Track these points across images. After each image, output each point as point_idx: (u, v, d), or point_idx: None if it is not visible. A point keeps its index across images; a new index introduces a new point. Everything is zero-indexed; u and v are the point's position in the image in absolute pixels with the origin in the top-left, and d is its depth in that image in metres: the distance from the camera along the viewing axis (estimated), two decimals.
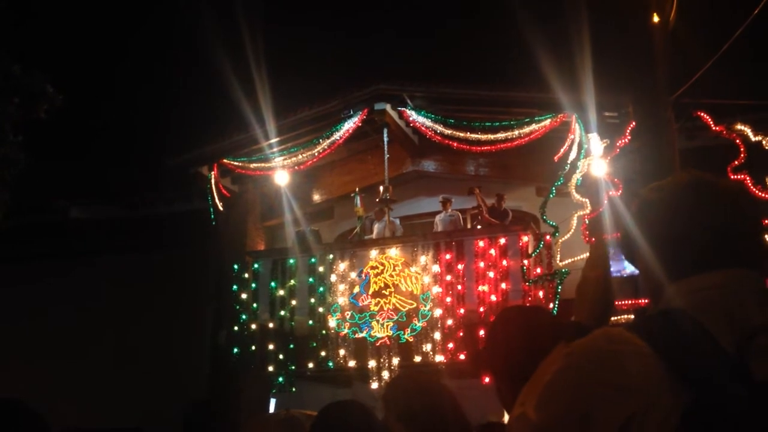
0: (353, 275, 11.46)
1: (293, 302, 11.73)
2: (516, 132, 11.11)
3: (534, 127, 11.06)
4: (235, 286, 12.14)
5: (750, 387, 1.20)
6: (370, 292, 11.21)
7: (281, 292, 11.82)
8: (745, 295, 1.33)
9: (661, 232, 1.43)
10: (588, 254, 1.69)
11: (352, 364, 11.15)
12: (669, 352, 1.25)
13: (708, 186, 1.44)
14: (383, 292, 11.15)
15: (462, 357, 10.48)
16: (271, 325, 11.81)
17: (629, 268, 9.02)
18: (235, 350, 11.80)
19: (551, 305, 10.03)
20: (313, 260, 11.77)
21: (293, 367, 11.55)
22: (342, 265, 11.58)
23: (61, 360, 13.55)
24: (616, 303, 9.07)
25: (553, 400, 1.33)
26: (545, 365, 1.52)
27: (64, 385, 13.05)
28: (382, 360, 10.93)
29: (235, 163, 12.60)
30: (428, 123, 11.59)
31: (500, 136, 11.19)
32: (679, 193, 1.44)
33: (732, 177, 8.87)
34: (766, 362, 1.22)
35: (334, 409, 2.93)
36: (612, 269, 1.57)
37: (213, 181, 12.57)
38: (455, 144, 11.45)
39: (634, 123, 8.72)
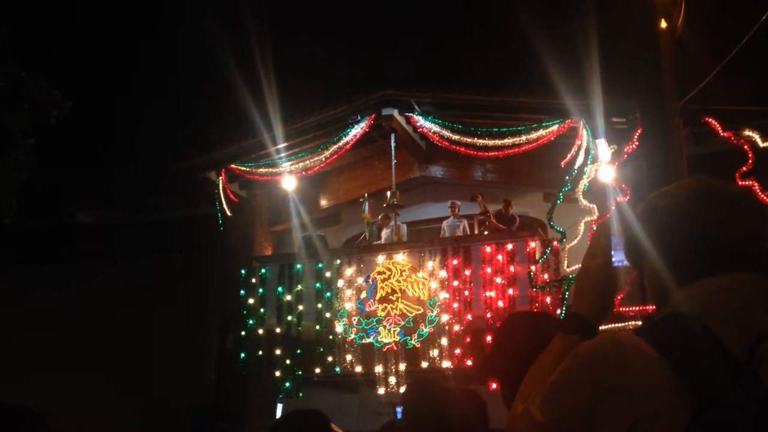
0: (360, 280, 11.47)
1: (300, 307, 11.74)
2: (523, 137, 11.10)
3: (541, 132, 11.05)
4: (242, 291, 12.16)
5: (758, 393, 1.19)
6: (377, 298, 11.21)
7: (288, 297, 11.84)
8: (754, 299, 1.32)
9: (669, 237, 1.42)
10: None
11: (358, 369, 11.15)
12: (676, 356, 1.24)
13: (715, 191, 1.44)
14: (390, 297, 11.14)
15: (469, 363, 10.47)
16: (278, 330, 11.83)
17: None
18: (242, 355, 11.81)
19: (558, 311, 10.00)
20: (320, 265, 11.78)
21: (300, 373, 11.55)
22: (349, 271, 11.59)
23: (67, 364, 13.58)
24: (624, 308, 9.01)
25: (559, 400, 1.33)
26: (545, 356, 1.52)
27: (71, 390, 13.07)
28: (389, 365, 10.92)
29: (243, 169, 12.63)
30: (435, 128, 11.60)
31: (507, 141, 11.19)
32: (687, 198, 1.44)
33: (740, 183, 8.84)
34: None
35: (293, 417, 2.94)
36: (615, 259, 1.55)
37: (221, 186, 12.60)
38: (462, 149, 11.45)
39: (641, 129, 8.71)
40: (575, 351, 1.36)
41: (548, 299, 10.49)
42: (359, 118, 11.90)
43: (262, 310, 11.99)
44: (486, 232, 11.67)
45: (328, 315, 11.49)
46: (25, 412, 2.00)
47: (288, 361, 11.59)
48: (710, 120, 9.39)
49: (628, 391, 1.25)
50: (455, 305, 10.84)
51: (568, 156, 10.84)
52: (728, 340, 1.25)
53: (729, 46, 7.96)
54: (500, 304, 10.56)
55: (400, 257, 11.38)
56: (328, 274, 11.72)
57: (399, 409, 3.22)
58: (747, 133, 9.27)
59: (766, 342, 1.23)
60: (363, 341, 11.15)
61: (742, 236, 1.39)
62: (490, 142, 11.27)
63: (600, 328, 1.53)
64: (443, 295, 10.93)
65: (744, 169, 9.03)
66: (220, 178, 12.65)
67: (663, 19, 7.61)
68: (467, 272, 10.92)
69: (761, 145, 9.14)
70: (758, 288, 1.34)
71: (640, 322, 1.44)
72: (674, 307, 1.37)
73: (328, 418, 2.91)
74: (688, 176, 1.57)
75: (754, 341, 1.24)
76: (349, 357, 11.19)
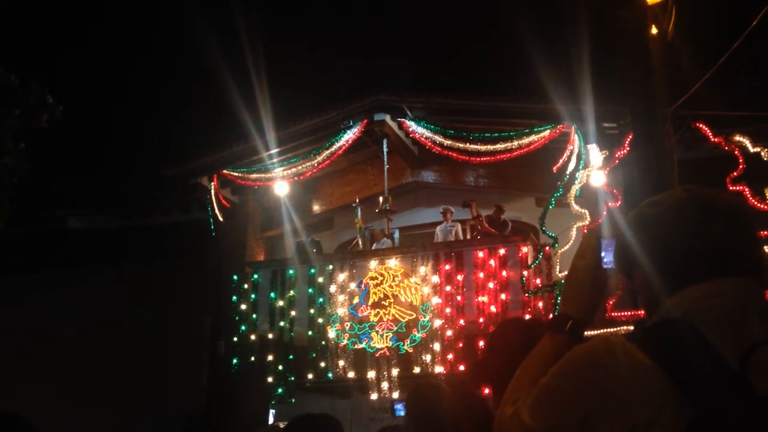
0: (353, 286, 11.46)
1: (293, 313, 11.72)
2: (515, 143, 11.13)
3: (533, 137, 11.07)
4: (234, 297, 12.13)
5: (752, 403, 1.18)
6: (369, 303, 11.20)
7: (281, 303, 11.81)
8: (747, 305, 1.31)
9: (660, 246, 1.42)
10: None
11: (351, 375, 11.13)
12: (670, 364, 1.23)
13: (705, 199, 1.43)
14: (383, 302, 11.14)
15: (461, 368, 10.46)
16: (270, 335, 11.80)
17: None
18: (234, 361, 11.78)
19: (551, 316, 10.00)
20: (312, 271, 11.77)
21: (292, 378, 11.52)
22: (341, 276, 11.58)
23: (58, 370, 13.50)
24: (616, 313, 8.99)
25: (551, 405, 1.32)
26: (531, 357, 1.51)
27: (62, 395, 13.01)
28: (381, 371, 10.91)
29: (235, 174, 12.61)
30: (428, 134, 11.61)
31: (499, 146, 11.21)
32: (677, 207, 1.43)
33: (731, 188, 8.87)
34: None
35: (302, 421, 2.94)
36: (606, 260, 1.53)
37: (213, 191, 12.58)
38: (455, 155, 11.46)
39: (632, 134, 8.72)
40: (568, 355, 1.35)
41: (541, 304, 10.51)
42: (351, 123, 11.91)
43: (254, 315, 11.96)
44: (479, 237, 11.68)
45: (320, 320, 11.47)
46: (14, 417, 1.99)
47: (280, 367, 11.56)
48: (701, 125, 9.43)
49: (622, 397, 1.24)
50: (448, 310, 10.84)
51: (560, 161, 10.87)
52: (722, 348, 1.23)
53: (720, 51, 7.99)
54: (493, 309, 10.56)
55: (393, 262, 11.38)
56: (320, 280, 11.71)
57: (397, 407, 3.31)
58: (737, 138, 9.32)
59: (761, 351, 1.22)
60: (355, 347, 11.13)
61: (733, 244, 1.38)
62: (482, 148, 11.29)
63: (591, 332, 1.52)
64: (436, 300, 10.93)
65: (734, 174, 9.07)
66: (212, 183, 12.63)
67: (654, 25, 7.64)
68: (460, 277, 10.92)
69: (751, 150, 9.18)
70: (750, 294, 1.33)
71: (631, 327, 1.43)
72: (666, 313, 1.36)
73: (340, 424, 2.92)
74: (679, 183, 1.56)
75: (748, 350, 1.22)
76: (341, 362, 11.17)
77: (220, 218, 12.60)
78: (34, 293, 14.60)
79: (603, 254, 1.51)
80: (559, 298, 9.68)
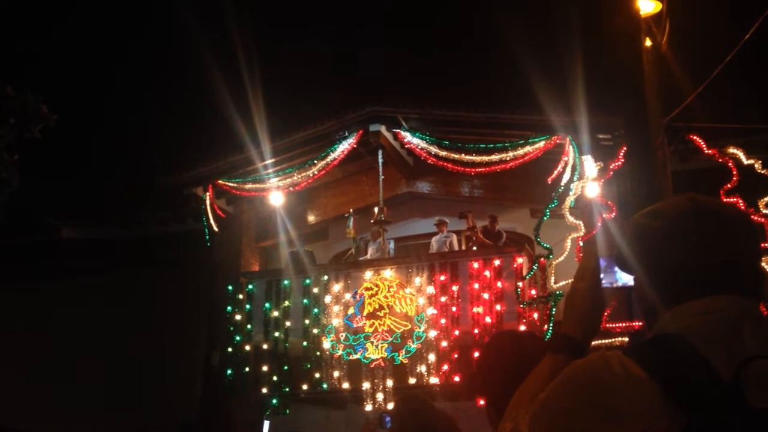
0: (348, 296, 11.44)
1: (287, 323, 11.69)
2: (510, 154, 11.15)
3: (528, 149, 11.10)
4: (229, 307, 12.10)
5: (745, 415, 1.19)
6: (364, 314, 11.18)
7: (275, 313, 11.79)
8: (741, 321, 1.32)
9: (659, 258, 1.42)
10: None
11: (346, 385, 11.10)
12: (664, 378, 1.24)
13: (709, 211, 1.42)
14: (378, 313, 11.12)
15: (457, 379, 10.45)
16: (265, 346, 11.77)
17: (621, 280, 9.01)
18: (229, 372, 11.74)
19: (546, 327, 10.01)
20: (307, 281, 11.75)
21: (287, 389, 11.48)
22: (336, 286, 11.56)
23: (51, 380, 13.45)
24: (611, 324, 8.97)
25: (550, 419, 1.32)
26: (533, 376, 1.51)
27: (56, 405, 12.94)
28: (376, 382, 10.88)
29: (230, 184, 12.60)
30: (423, 144, 11.63)
31: (494, 157, 11.23)
32: (679, 219, 1.42)
33: (724, 200, 8.90)
34: (761, 390, 1.22)
35: None
36: (604, 281, 1.55)
37: (208, 201, 12.56)
38: (450, 165, 11.48)
39: (626, 145, 8.76)
40: (566, 370, 1.35)
41: (536, 315, 10.50)
42: (347, 134, 11.93)
43: (249, 326, 11.93)
44: (474, 248, 11.68)
45: (315, 331, 11.44)
46: (5, 429, 1.99)
47: (275, 378, 11.52)
48: (695, 137, 9.47)
49: (618, 411, 1.25)
50: (443, 321, 10.83)
51: (555, 172, 10.89)
52: (716, 362, 1.25)
53: (714, 63, 8.04)
54: (488, 320, 10.56)
55: (388, 273, 11.37)
56: (315, 290, 11.69)
57: (387, 419, 3.28)
58: (731, 150, 9.35)
59: (753, 364, 1.24)
60: (350, 357, 11.11)
61: (733, 257, 1.39)
62: (477, 159, 11.32)
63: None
64: (431, 311, 10.92)
65: (728, 186, 9.10)
66: (207, 193, 12.61)
67: (648, 37, 7.68)
68: (455, 288, 10.92)
69: (745, 162, 9.22)
70: (745, 310, 1.34)
71: (626, 339, 1.43)
72: (663, 327, 1.37)
73: None
74: (677, 194, 1.53)
75: (740, 363, 1.24)
76: (336, 373, 11.14)
77: (215, 228, 12.57)
78: (27, 303, 14.55)
79: (602, 275, 1.53)
80: (554, 309, 9.68)
